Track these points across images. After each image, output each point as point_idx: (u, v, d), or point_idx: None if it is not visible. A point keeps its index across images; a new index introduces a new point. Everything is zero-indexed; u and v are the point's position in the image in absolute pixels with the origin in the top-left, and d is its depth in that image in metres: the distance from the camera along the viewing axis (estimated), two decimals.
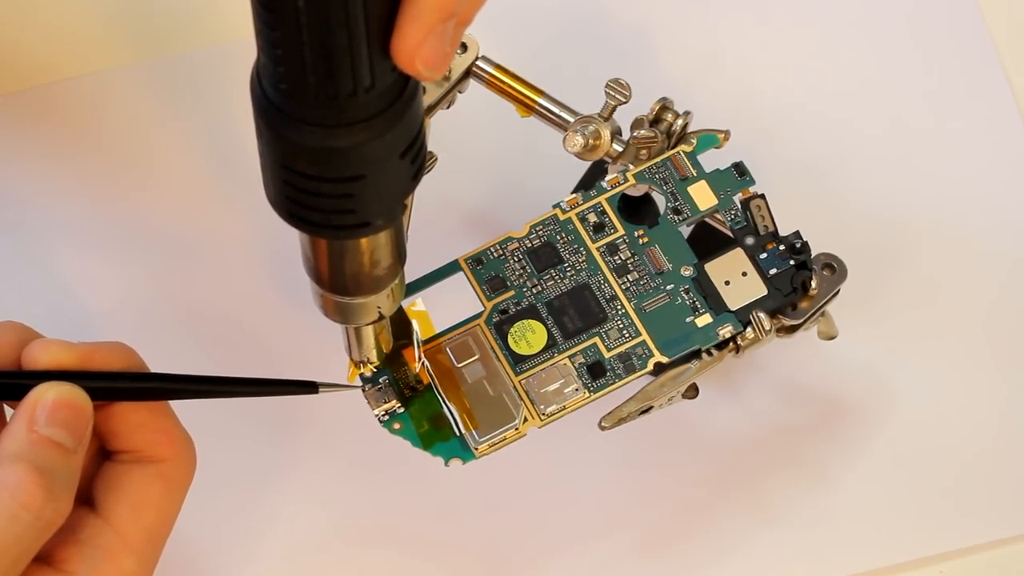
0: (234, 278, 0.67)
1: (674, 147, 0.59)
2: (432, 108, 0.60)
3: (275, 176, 0.45)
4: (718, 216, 0.58)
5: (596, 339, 0.57)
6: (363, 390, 0.57)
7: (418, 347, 0.56)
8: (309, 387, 0.54)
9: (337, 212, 0.45)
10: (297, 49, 0.41)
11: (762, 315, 0.56)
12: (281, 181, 0.45)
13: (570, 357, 0.57)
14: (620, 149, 0.60)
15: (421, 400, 0.57)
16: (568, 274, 0.58)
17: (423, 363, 0.57)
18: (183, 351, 0.66)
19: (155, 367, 0.63)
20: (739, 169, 0.59)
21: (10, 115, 0.70)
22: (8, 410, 0.53)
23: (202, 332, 0.67)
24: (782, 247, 0.57)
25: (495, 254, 0.58)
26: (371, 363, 0.56)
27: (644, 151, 0.59)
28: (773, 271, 0.57)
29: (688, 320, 0.57)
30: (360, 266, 0.49)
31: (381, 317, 0.52)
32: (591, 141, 0.60)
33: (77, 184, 0.69)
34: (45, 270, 0.68)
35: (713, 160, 0.59)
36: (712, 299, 0.57)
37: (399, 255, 0.50)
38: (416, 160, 0.46)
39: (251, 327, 0.67)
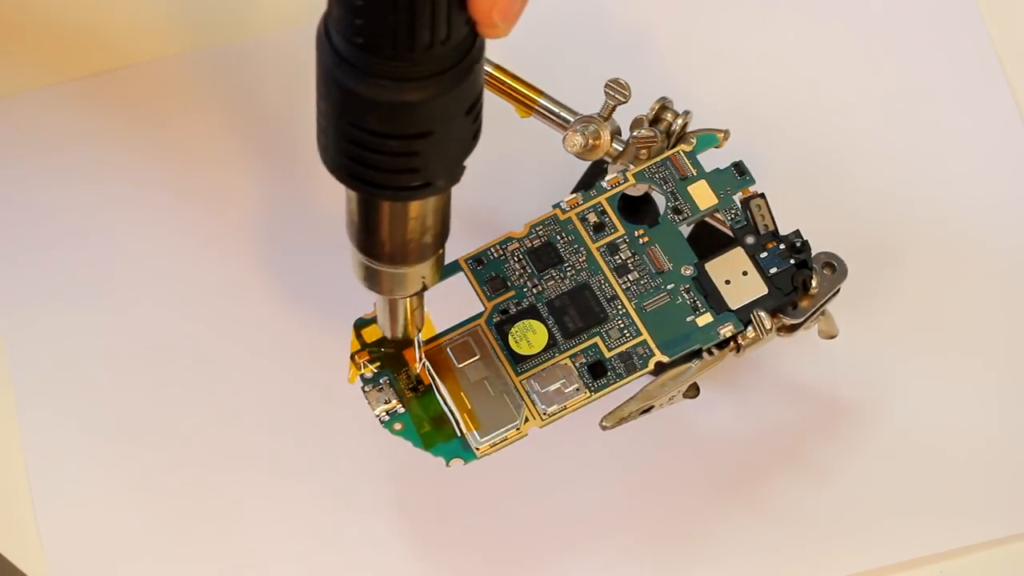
0: (255, 267, 0.68)
1: (674, 147, 0.59)
2: None
3: (338, 136, 0.45)
4: (718, 215, 0.58)
5: (597, 339, 0.57)
6: (364, 391, 0.57)
7: (419, 347, 0.56)
8: None
9: (400, 172, 0.45)
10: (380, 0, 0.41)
11: (763, 314, 0.56)
12: (345, 140, 0.45)
13: (571, 357, 0.57)
14: (620, 149, 0.60)
15: (422, 400, 0.57)
16: (568, 274, 0.58)
17: (424, 363, 0.57)
18: (193, 339, 0.67)
19: (161, 354, 0.65)
20: (739, 168, 0.59)
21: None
22: None
23: (215, 324, 0.67)
24: (782, 246, 0.57)
25: (495, 254, 0.58)
26: (407, 338, 0.56)
27: (644, 151, 0.59)
28: (773, 270, 0.57)
29: (689, 319, 0.57)
30: (412, 232, 0.48)
31: (424, 288, 0.52)
32: (591, 141, 0.60)
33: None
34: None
35: (713, 159, 0.59)
36: (713, 298, 0.57)
37: (445, 225, 0.50)
38: (477, 120, 0.46)
39: (259, 323, 0.67)
